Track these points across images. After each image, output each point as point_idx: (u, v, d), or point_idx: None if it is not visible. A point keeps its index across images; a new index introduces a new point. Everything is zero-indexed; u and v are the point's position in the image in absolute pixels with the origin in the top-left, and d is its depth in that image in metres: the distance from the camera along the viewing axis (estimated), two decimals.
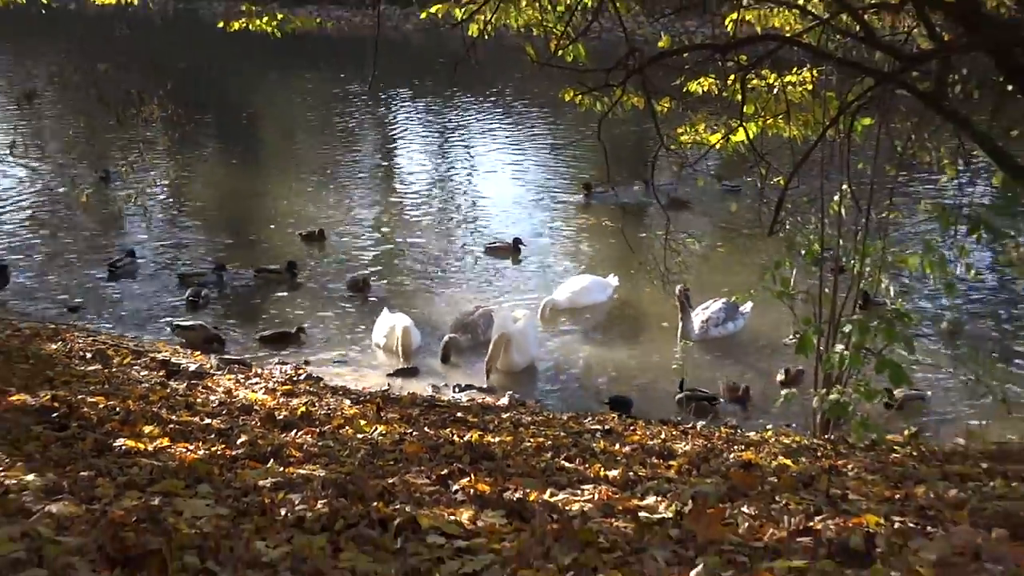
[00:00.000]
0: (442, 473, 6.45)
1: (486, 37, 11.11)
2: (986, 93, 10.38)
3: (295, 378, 11.91)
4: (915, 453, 8.57)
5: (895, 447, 8.92)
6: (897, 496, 6.05)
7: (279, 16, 13.35)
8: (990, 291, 16.37)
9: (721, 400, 12.35)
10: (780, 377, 12.63)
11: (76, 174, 23.34)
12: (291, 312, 15.56)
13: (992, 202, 13.25)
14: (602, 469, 7.09)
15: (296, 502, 5.32)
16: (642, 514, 5.23)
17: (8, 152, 18.09)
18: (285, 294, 16.31)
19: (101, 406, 8.33)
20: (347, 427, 8.67)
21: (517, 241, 18.66)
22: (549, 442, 8.43)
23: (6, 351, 10.77)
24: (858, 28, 9.26)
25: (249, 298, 16.27)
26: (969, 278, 13.49)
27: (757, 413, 12.18)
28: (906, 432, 10.24)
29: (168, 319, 15.15)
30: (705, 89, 11.38)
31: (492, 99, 33.17)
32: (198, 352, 13.34)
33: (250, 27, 13.19)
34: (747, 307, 14.54)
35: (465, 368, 13.85)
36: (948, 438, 10.58)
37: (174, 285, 16.70)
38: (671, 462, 7.72)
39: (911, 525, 4.94)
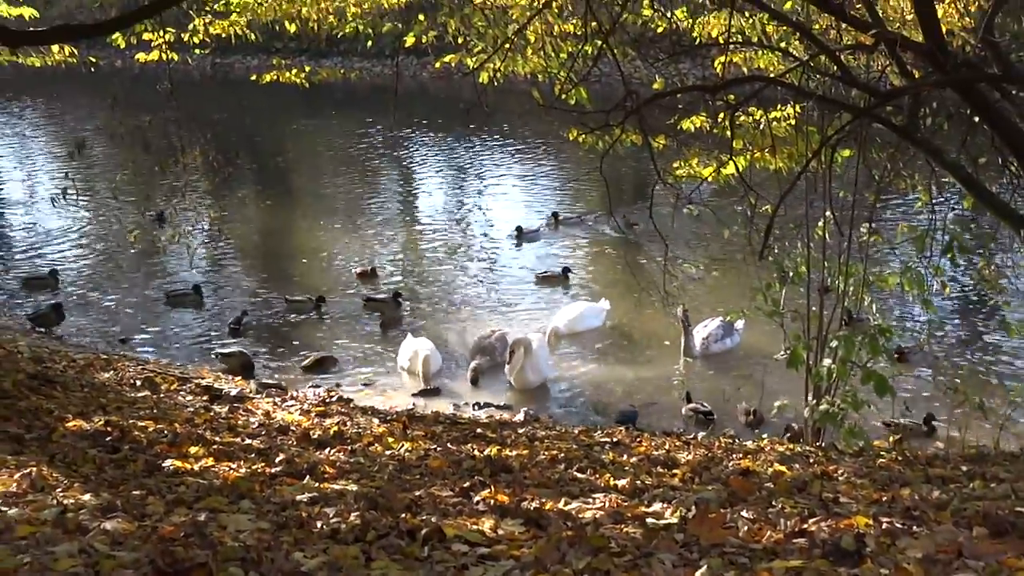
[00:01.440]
0: (464, 486, 6.42)
1: (496, 83, 11.15)
2: (955, 125, 10.34)
3: (327, 400, 11.88)
4: (900, 458, 8.52)
5: (881, 453, 8.88)
6: (884, 498, 6.00)
7: (307, 68, 13.43)
8: (964, 306, 16.33)
9: (714, 415, 12.30)
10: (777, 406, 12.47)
11: (124, 216, 23.44)
12: (322, 339, 15.57)
13: (962, 219, 13.24)
14: (611, 479, 7.06)
15: (331, 515, 5.30)
16: (649, 520, 5.20)
17: (62, 197, 18.24)
18: (318, 323, 16.32)
19: (150, 429, 8.32)
20: (376, 444, 8.65)
21: (566, 270, 18.61)
22: (562, 455, 8.38)
23: (63, 380, 10.77)
24: (836, 68, 9.28)
25: (283, 327, 16.28)
26: (944, 294, 13.45)
27: (754, 423, 12.14)
28: (891, 438, 10.19)
29: (209, 346, 15.23)
30: (697, 126, 11.37)
31: (503, 139, 33.19)
32: (238, 377, 13.35)
33: (280, 79, 13.27)
34: (740, 324, 14.55)
35: (484, 387, 13.83)
36: (930, 444, 10.55)
37: (214, 315, 16.76)
38: (675, 471, 7.67)
39: (898, 525, 4.90)
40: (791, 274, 10.79)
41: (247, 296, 17.85)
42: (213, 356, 14.55)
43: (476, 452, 8.32)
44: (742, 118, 10.65)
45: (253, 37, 12.74)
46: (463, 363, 14.35)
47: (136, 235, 20.77)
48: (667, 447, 9.41)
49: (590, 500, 6.06)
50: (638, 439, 10.01)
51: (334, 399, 12.02)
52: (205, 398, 10.92)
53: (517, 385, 13.60)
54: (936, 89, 9.32)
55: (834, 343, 9.14)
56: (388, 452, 8.28)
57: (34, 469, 6.15)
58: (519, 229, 21.77)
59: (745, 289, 14.53)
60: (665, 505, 5.71)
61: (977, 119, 8.93)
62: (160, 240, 21.45)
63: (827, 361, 9.36)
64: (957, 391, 10.57)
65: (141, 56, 12.76)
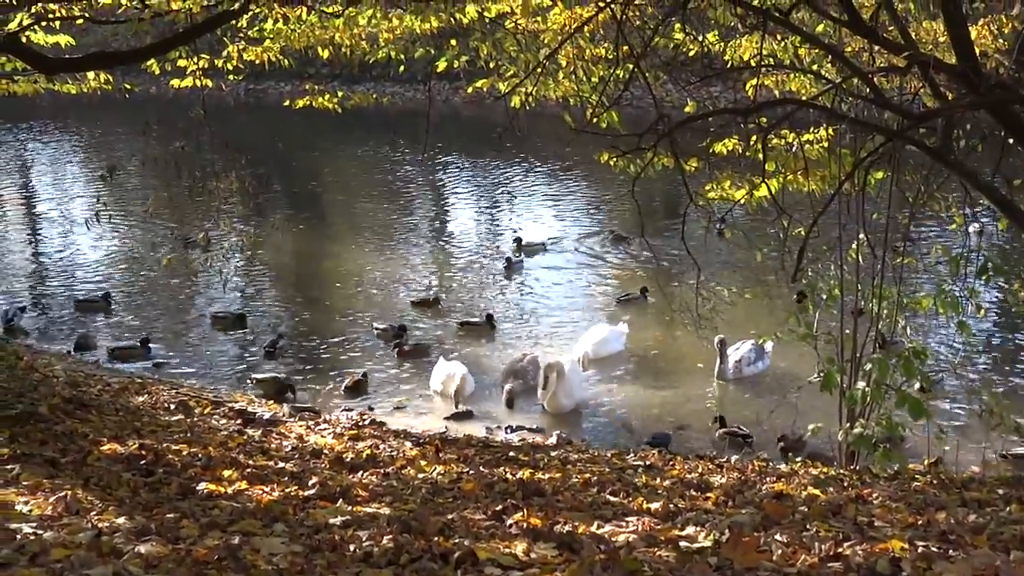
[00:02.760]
0: (497, 509, 6.43)
1: (528, 108, 11.17)
2: (989, 147, 10.30)
3: (360, 423, 11.91)
4: (935, 481, 8.46)
5: (916, 476, 8.82)
6: (920, 522, 5.97)
7: (339, 94, 13.53)
8: (998, 328, 16.19)
9: (752, 438, 12.23)
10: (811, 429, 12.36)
11: (157, 240, 23.58)
12: (355, 362, 15.57)
13: (997, 243, 13.12)
14: (644, 502, 7.04)
15: (364, 538, 5.32)
16: (683, 544, 5.19)
17: (95, 219, 18.40)
18: (351, 347, 16.32)
19: (184, 453, 8.37)
20: (409, 467, 8.66)
21: (644, 290, 18.31)
22: (595, 478, 8.37)
23: (98, 404, 10.85)
24: (868, 90, 9.26)
25: (317, 350, 16.30)
26: (979, 317, 13.35)
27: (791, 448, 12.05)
28: (926, 461, 10.12)
29: (244, 370, 15.28)
30: (729, 149, 11.35)
31: (535, 162, 33.16)
32: (272, 401, 13.39)
33: (313, 105, 13.39)
34: (769, 347, 14.49)
35: (516, 410, 13.80)
36: (965, 467, 10.45)
37: (248, 340, 16.81)
38: (708, 494, 7.65)
39: (934, 549, 4.86)
40: (824, 297, 10.76)
41: (282, 320, 17.89)
42: (248, 381, 14.60)
43: (509, 475, 8.33)
44: (774, 141, 10.64)
45: (286, 63, 12.84)
46: (495, 386, 14.34)
47: (170, 259, 20.90)
48: (700, 470, 9.38)
49: (623, 523, 6.05)
50: (671, 462, 9.98)
51: (367, 422, 12.04)
52: (238, 422, 10.98)
53: (550, 409, 13.57)
54: (970, 111, 9.28)
55: (868, 366, 9.09)
56: (421, 475, 8.29)
57: (69, 492, 6.20)
58: (508, 260, 21.29)
59: (778, 311, 14.50)
60: (699, 528, 5.69)
61: (1011, 141, 8.89)
62: (193, 264, 21.57)
63: (861, 384, 9.32)
64: (992, 413, 10.48)
65: (175, 82, 12.86)
